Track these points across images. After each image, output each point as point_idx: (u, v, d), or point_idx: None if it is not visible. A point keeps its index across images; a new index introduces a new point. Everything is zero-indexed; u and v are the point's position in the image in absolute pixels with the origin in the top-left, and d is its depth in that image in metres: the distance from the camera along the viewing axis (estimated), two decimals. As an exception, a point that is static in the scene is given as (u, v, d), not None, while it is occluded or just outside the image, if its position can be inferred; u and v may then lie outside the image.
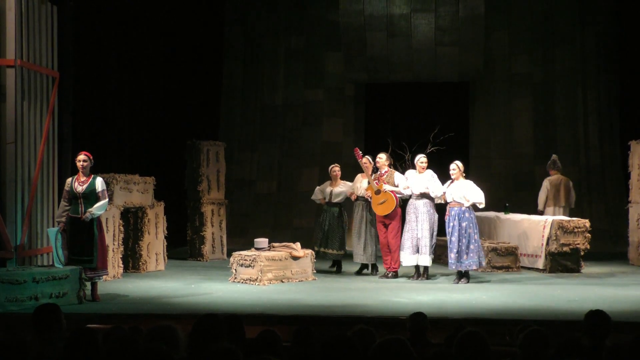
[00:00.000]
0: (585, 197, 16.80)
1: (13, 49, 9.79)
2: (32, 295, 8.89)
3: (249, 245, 12.28)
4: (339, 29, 16.83)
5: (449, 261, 11.19)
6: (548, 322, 8.00)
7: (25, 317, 8.36)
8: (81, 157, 9.50)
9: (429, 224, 11.33)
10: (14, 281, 8.78)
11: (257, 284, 10.91)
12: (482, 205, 11.13)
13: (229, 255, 12.06)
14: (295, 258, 11.38)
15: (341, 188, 12.31)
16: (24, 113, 9.97)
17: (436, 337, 6.41)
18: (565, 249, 12.28)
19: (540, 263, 12.41)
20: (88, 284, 9.50)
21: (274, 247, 11.63)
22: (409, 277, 11.62)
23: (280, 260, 11.23)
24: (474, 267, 11.13)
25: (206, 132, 15.88)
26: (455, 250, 11.03)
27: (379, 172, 11.81)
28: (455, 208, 11.08)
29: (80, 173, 9.49)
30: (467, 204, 11.01)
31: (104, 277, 9.86)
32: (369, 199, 11.74)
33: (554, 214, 13.83)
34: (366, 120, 17.98)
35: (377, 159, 11.85)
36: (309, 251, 11.59)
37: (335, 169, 12.55)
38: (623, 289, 10.63)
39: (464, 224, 11.03)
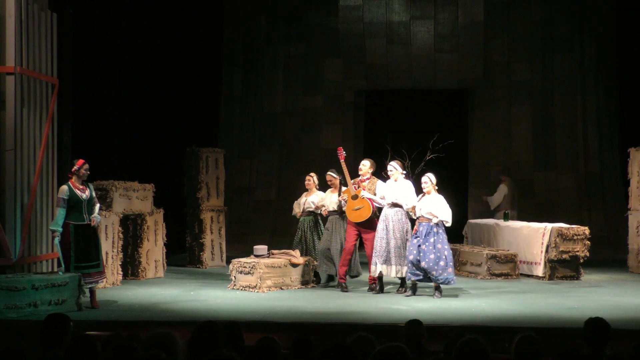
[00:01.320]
0: (584, 204, 16.80)
1: (13, 56, 9.80)
2: (31, 302, 8.88)
3: (248, 252, 12.27)
4: (338, 36, 16.85)
5: (415, 274, 10.44)
6: (547, 330, 8.00)
7: (24, 324, 8.37)
8: (85, 165, 9.49)
9: (400, 234, 10.70)
10: (13, 288, 8.77)
11: (256, 291, 10.90)
12: (448, 224, 10.54)
13: (228, 262, 12.05)
14: (294, 265, 11.37)
15: (312, 197, 11.86)
16: (24, 120, 9.98)
17: (435, 344, 6.40)
18: (565, 256, 12.26)
19: (539, 270, 12.40)
20: (87, 291, 9.48)
21: (273, 254, 11.62)
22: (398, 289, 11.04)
23: (280, 267, 11.22)
24: (452, 284, 10.48)
25: (205, 139, 15.88)
26: (410, 263, 10.37)
27: (360, 178, 11.24)
28: (424, 223, 10.43)
29: (77, 180, 9.46)
30: (435, 220, 10.39)
31: (103, 282, 9.85)
32: (344, 203, 11.20)
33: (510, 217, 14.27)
34: (365, 127, 18.00)
35: (361, 166, 11.29)
36: (308, 258, 11.57)
37: (308, 178, 12.11)
38: (623, 296, 10.62)
39: (431, 240, 10.34)
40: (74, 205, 9.41)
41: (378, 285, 10.94)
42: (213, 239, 14.12)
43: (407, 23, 16.44)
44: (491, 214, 15.03)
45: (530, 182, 17.07)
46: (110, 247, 11.35)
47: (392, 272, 10.75)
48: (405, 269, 10.65)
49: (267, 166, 17.77)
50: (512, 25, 17.30)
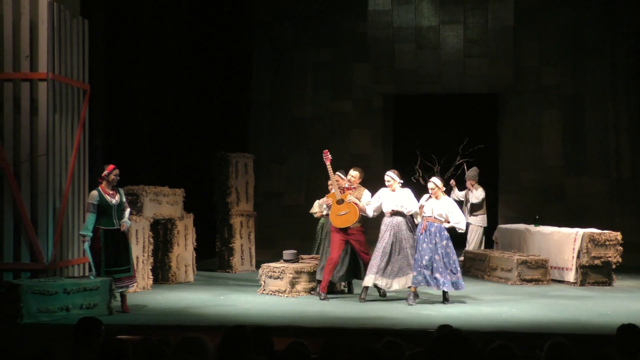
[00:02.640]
0: (616, 209, 16.67)
1: (45, 63, 9.90)
2: (63, 306, 8.96)
3: (277, 256, 12.28)
4: (367, 41, 16.86)
5: (424, 279, 10.16)
6: (579, 336, 7.93)
7: (57, 328, 8.44)
8: (115, 171, 9.57)
9: (410, 243, 10.42)
10: (45, 292, 8.86)
11: (285, 295, 10.91)
12: (462, 231, 10.42)
13: (258, 266, 12.07)
14: (323, 270, 11.35)
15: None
16: (56, 126, 10.07)
17: (465, 350, 6.36)
18: (597, 262, 12.15)
19: (571, 276, 12.30)
20: (118, 296, 9.55)
21: (302, 258, 11.63)
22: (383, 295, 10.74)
23: (309, 272, 11.22)
24: (462, 288, 10.29)
25: (235, 144, 15.93)
26: (430, 268, 10.10)
27: (346, 186, 10.84)
28: (435, 224, 10.20)
29: (107, 186, 9.55)
30: (447, 226, 10.21)
31: (134, 286, 9.91)
32: (328, 208, 10.89)
33: (483, 222, 14.28)
34: (394, 132, 17.97)
35: (349, 177, 10.85)
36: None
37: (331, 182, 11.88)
38: (655, 302, 10.51)
39: (444, 243, 10.16)
40: (103, 210, 9.49)
41: (364, 293, 10.47)
42: (242, 244, 14.16)
43: (437, 28, 16.41)
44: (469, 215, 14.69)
45: (560, 188, 16.95)
46: (140, 252, 11.42)
47: (393, 285, 10.37)
48: (405, 279, 10.35)
49: (296, 171, 17.80)
50: (542, 30, 17.19)
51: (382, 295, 10.75)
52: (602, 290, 11.75)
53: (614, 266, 12.26)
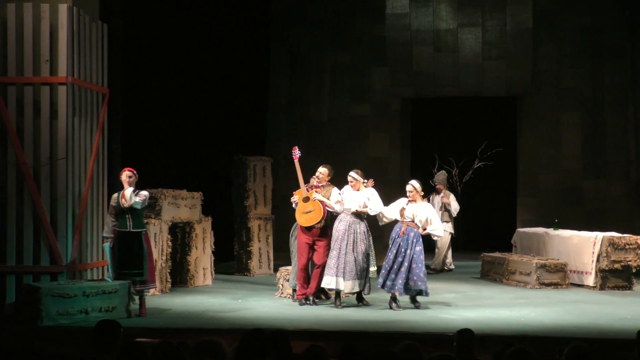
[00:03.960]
0: (636, 213, 16.54)
1: (65, 67, 9.96)
2: (82, 309, 9.02)
3: (295, 260, 12.27)
4: (385, 44, 16.83)
5: (387, 281, 10.02)
6: (598, 341, 7.88)
7: (76, 331, 8.49)
8: (126, 172, 9.69)
9: (365, 246, 10.25)
10: (64, 295, 8.92)
11: (303, 299, 10.89)
12: (438, 238, 10.35)
13: (276, 270, 12.09)
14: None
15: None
16: (75, 129, 10.13)
17: (483, 354, 6.35)
18: (617, 265, 12.07)
19: (590, 280, 12.22)
20: (136, 299, 9.59)
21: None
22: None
23: (327, 275, 11.18)
24: (428, 296, 10.10)
25: (252, 148, 15.96)
26: (396, 272, 9.96)
27: (314, 183, 10.71)
28: (414, 229, 10.04)
29: (126, 188, 9.64)
30: (424, 233, 10.09)
31: (152, 290, 9.95)
32: (294, 206, 10.64)
33: (451, 228, 14.33)
34: (412, 136, 17.93)
35: (318, 173, 10.73)
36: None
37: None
38: (676, 306, 10.42)
39: (418, 248, 9.98)
40: (119, 212, 9.60)
41: (331, 296, 10.33)
42: (260, 247, 14.18)
43: (455, 30, 16.37)
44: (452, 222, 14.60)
45: (579, 191, 16.84)
46: (158, 255, 11.46)
47: (347, 287, 10.14)
48: (358, 282, 10.12)
49: (314, 174, 17.75)
50: (561, 32, 17.10)
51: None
52: (622, 295, 11.66)
53: (634, 270, 12.17)
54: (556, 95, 17.19)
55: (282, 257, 15.11)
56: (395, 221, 10.32)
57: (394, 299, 10.10)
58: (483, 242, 15.51)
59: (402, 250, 10.02)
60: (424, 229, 10.11)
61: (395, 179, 15.61)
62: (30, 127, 9.94)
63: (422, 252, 10.07)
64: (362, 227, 10.26)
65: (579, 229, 13.57)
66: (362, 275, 10.20)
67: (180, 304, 10.52)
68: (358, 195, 10.35)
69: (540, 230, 13.98)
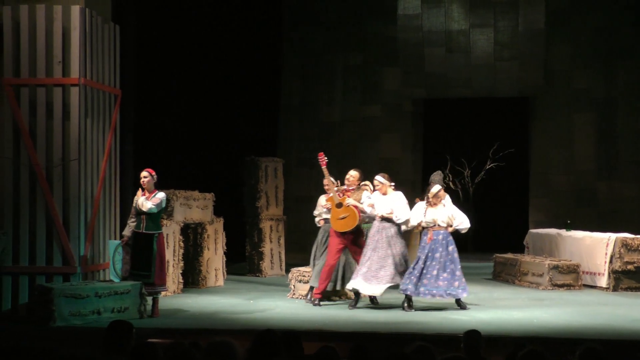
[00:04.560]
0: (650, 214, 16.48)
1: (77, 68, 9.99)
2: (95, 310, 9.04)
3: (307, 261, 12.28)
4: (397, 45, 16.83)
5: (422, 287, 9.93)
6: (611, 342, 7.84)
7: (88, 331, 8.51)
8: (142, 173, 9.75)
9: (401, 248, 10.20)
10: (77, 295, 8.94)
11: (315, 300, 10.89)
12: (465, 231, 10.26)
13: (288, 271, 12.09)
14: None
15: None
16: (87, 130, 10.16)
17: (496, 355, 6.33)
18: (630, 267, 12.01)
19: (603, 281, 12.17)
20: (149, 299, 9.61)
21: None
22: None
23: (339, 276, 11.18)
24: (466, 294, 10.11)
25: (264, 149, 15.98)
26: (435, 275, 9.90)
27: (345, 187, 10.62)
28: (441, 231, 10.05)
29: (144, 189, 9.69)
30: (450, 230, 10.07)
31: (162, 292, 9.96)
32: (327, 212, 10.64)
33: None
34: (424, 136, 17.91)
35: (348, 176, 10.61)
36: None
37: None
38: (689, 308, 10.36)
39: (450, 248, 9.99)
40: (137, 213, 9.70)
41: (355, 300, 10.29)
42: (272, 248, 14.19)
43: (467, 31, 16.34)
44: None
45: (592, 192, 16.79)
46: (171, 256, 11.47)
47: (376, 290, 10.11)
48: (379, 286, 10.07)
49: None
50: (574, 33, 17.05)
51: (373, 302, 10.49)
52: (635, 296, 11.60)
53: (647, 271, 12.11)
54: (569, 96, 17.14)
55: (293, 257, 15.13)
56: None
57: (409, 299, 10.08)
58: (495, 243, 15.45)
59: (433, 255, 9.98)
60: (450, 226, 10.13)
61: (406, 180, 15.59)
62: (42, 128, 9.98)
63: (456, 250, 10.06)
64: (392, 230, 10.22)
65: (592, 230, 13.51)
66: (401, 276, 10.12)
67: (192, 304, 10.53)
68: (386, 200, 10.30)
69: (552, 231, 13.94)
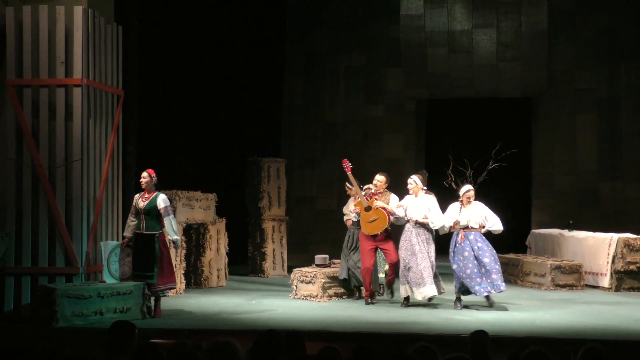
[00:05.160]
0: (652, 214, 16.47)
1: (80, 69, 10.00)
2: (97, 310, 9.05)
3: (309, 261, 12.30)
4: (399, 46, 16.82)
5: (476, 286, 10.03)
6: (614, 342, 7.84)
7: (91, 332, 8.52)
8: (142, 174, 9.76)
9: (434, 250, 10.34)
10: (79, 296, 8.95)
11: (317, 300, 10.91)
12: (499, 232, 10.33)
13: (290, 271, 12.09)
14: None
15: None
16: (90, 131, 10.17)
17: (499, 356, 6.32)
18: (632, 267, 12.01)
19: (605, 282, 12.17)
20: (152, 299, 9.61)
21: (334, 263, 11.62)
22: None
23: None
24: (504, 288, 10.22)
25: (267, 149, 15.98)
26: (479, 274, 10.02)
27: (372, 191, 10.72)
28: (473, 232, 10.16)
29: (146, 190, 9.72)
30: (483, 231, 10.19)
31: (170, 292, 9.97)
32: (357, 217, 10.75)
33: None
34: (427, 137, 17.91)
35: (375, 181, 10.74)
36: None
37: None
38: (692, 308, 10.35)
39: (484, 246, 10.13)
40: (137, 213, 9.72)
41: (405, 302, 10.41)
42: (274, 248, 14.19)
43: (469, 31, 16.33)
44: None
45: (595, 192, 16.77)
46: (173, 256, 11.46)
47: (417, 294, 10.22)
48: (436, 285, 10.23)
49: (329, 176, 17.78)
50: (577, 33, 17.03)
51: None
52: (638, 296, 11.60)
53: (649, 271, 12.10)
54: (572, 97, 17.12)
55: (296, 258, 15.14)
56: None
57: (459, 299, 10.24)
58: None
59: (470, 254, 10.07)
60: (483, 227, 10.19)
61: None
62: (45, 129, 9.98)
63: (490, 247, 10.16)
64: (426, 233, 10.32)
65: (595, 231, 13.51)
66: (437, 277, 10.31)
67: (194, 305, 10.54)
68: (419, 204, 10.34)
69: (555, 231, 13.93)
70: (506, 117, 17.59)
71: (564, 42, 17.02)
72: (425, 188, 10.52)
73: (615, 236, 12.29)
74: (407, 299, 10.40)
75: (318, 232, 17.47)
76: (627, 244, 12.03)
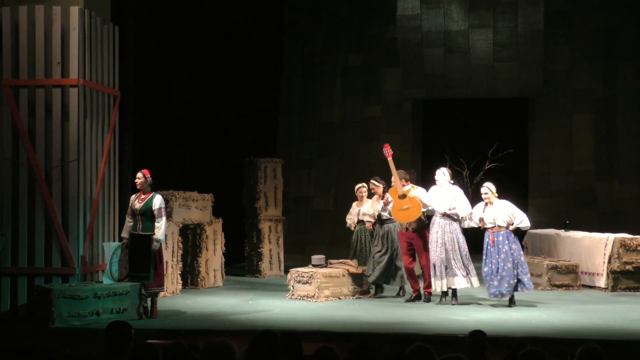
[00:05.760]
0: (649, 214, 16.49)
1: (76, 69, 9.99)
2: (94, 311, 9.04)
3: (306, 261, 12.29)
4: (396, 46, 16.83)
5: (502, 288, 10.18)
6: (610, 342, 7.84)
7: (87, 332, 8.51)
8: (137, 175, 9.74)
9: (458, 245, 10.37)
10: (76, 297, 8.94)
11: (314, 300, 10.91)
12: (527, 228, 10.40)
13: (286, 271, 12.08)
14: (352, 275, 11.34)
15: (365, 207, 11.64)
16: (86, 131, 10.16)
17: (495, 356, 6.33)
18: (628, 267, 12.02)
19: (601, 282, 12.17)
20: (148, 300, 9.60)
21: (331, 263, 11.62)
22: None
23: (337, 277, 11.21)
24: (531, 288, 10.42)
25: (264, 149, 15.98)
26: (511, 275, 10.13)
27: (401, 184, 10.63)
28: (502, 232, 10.19)
29: (142, 190, 9.72)
30: (512, 228, 10.22)
31: (161, 293, 9.96)
32: (389, 205, 10.61)
33: None
34: (424, 137, 17.93)
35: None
36: (366, 268, 11.53)
37: (362, 189, 11.87)
38: (689, 308, 10.36)
39: (514, 246, 10.19)
40: (133, 214, 9.70)
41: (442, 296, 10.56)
42: (271, 249, 14.18)
43: (466, 32, 16.35)
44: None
45: (592, 192, 16.79)
46: (169, 257, 11.47)
47: (442, 286, 10.37)
48: (466, 279, 10.39)
49: (325, 176, 17.80)
50: (574, 33, 17.06)
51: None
52: (634, 296, 11.61)
53: (645, 271, 12.11)
54: (569, 97, 17.15)
55: (292, 258, 15.14)
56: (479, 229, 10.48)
57: (511, 300, 10.32)
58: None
59: (500, 256, 10.15)
60: (511, 224, 10.22)
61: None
62: (41, 129, 9.97)
63: (520, 248, 10.24)
64: (454, 225, 10.39)
65: (591, 231, 13.52)
66: (472, 268, 10.41)
67: (191, 305, 10.53)
68: (445, 195, 10.41)
69: (551, 231, 13.93)
70: (503, 117, 17.62)
71: (561, 42, 17.04)
72: (452, 181, 10.62)
73: (611, 236, 12.30)
74: (444, 293, 10.49)
75: (315, 233, 17.48)
76: (623, 244, 12.04)
